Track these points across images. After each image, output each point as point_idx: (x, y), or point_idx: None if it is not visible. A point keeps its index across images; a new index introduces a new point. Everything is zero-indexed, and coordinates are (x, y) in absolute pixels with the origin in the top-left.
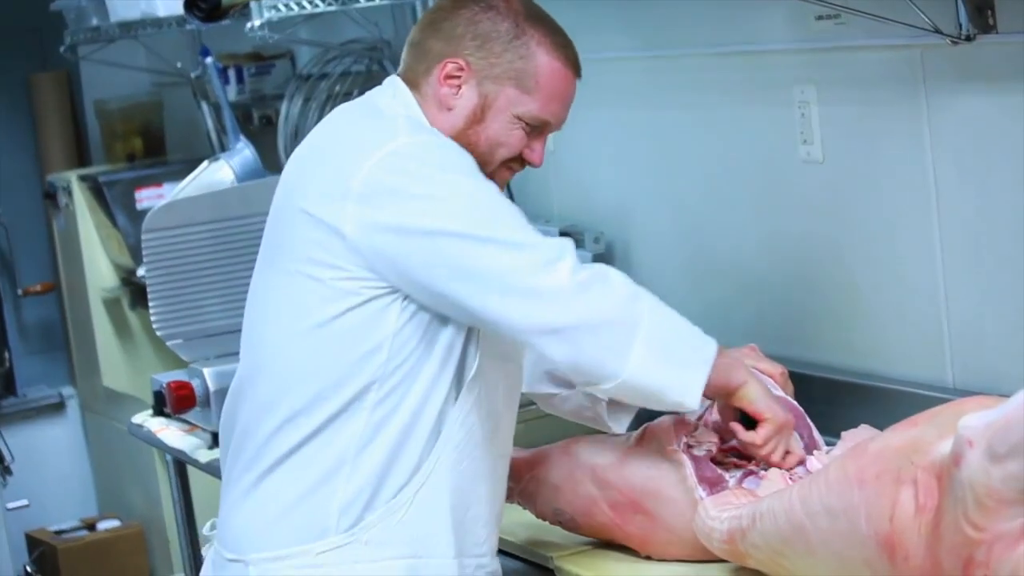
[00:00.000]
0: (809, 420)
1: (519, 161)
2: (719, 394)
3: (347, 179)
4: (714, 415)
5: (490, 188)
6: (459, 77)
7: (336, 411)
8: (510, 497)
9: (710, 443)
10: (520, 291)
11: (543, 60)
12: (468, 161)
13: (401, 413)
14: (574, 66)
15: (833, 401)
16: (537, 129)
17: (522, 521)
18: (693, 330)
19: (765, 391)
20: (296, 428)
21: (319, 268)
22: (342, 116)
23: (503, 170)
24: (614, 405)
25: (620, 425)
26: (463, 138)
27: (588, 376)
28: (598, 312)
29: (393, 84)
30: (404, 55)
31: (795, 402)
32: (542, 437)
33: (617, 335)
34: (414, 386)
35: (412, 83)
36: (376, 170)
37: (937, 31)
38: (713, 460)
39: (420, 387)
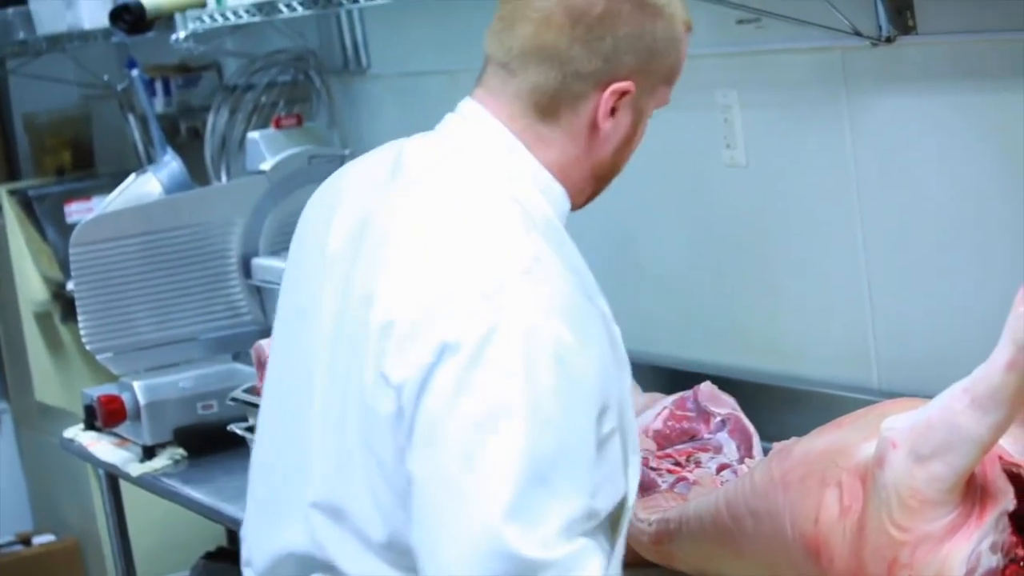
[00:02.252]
0: (749, 425)
1: None
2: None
3: (443, 310)
4: (656, 423)
5: (580, 439)
6: (622, 100)
7: None
8: None
9: (647, 450)
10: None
11: (684, 44)
12: (587, 386)
13: None
14: (687, 24)
15: (759, 405)
16: None
17: None
18: None
19: None
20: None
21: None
22: (434, 185)
23: None
24: None
25: None
26: (610, 164)
27: None
28: None
29: (494, 128)
30: (530, 70)
31: (734, 403)
32: None
33: None
34: None
35: (540, 111)
36: (481, 323)
37: (857, 33)
38: (648, 466)
39: None
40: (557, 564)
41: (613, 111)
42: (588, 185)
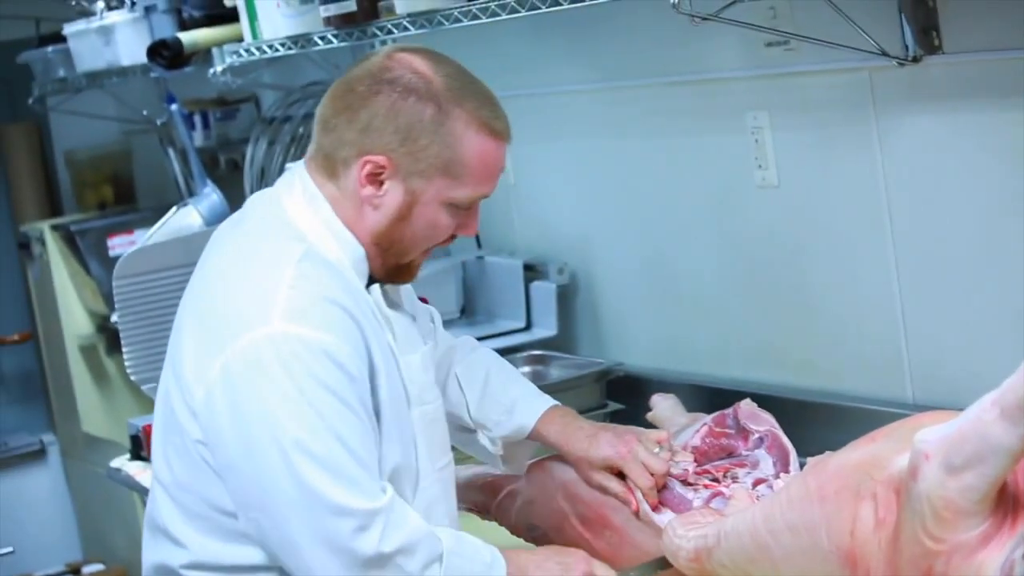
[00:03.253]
0: (787, 442)
1: (448, 240)
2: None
3: (212, 354)
4: (695, 440)
5: (337, 425)
6: (381, 175)
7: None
8: (486, 513)
9: (686, 464)
10: (318, 546)
11: (472, 143)
12: (328, 380)
13: None
14: (504, 135)
15: (795, 421)
16: (468, 209)
17: (496, 539)
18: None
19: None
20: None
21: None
22: (249, 233)
23: (423, 254)
24: (509, 449)
25: (518, 467)
26: (386, 236)
27: None
28: None
29: (303, 181)
30: (316, 133)
31: (773, 421)
32: None
33: None
34: None
35: (329, 172)
36: (234, 362)
37: (884, 54)
38: (686, 482)
39: None
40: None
41: (375, 182)
42: (373, 250)
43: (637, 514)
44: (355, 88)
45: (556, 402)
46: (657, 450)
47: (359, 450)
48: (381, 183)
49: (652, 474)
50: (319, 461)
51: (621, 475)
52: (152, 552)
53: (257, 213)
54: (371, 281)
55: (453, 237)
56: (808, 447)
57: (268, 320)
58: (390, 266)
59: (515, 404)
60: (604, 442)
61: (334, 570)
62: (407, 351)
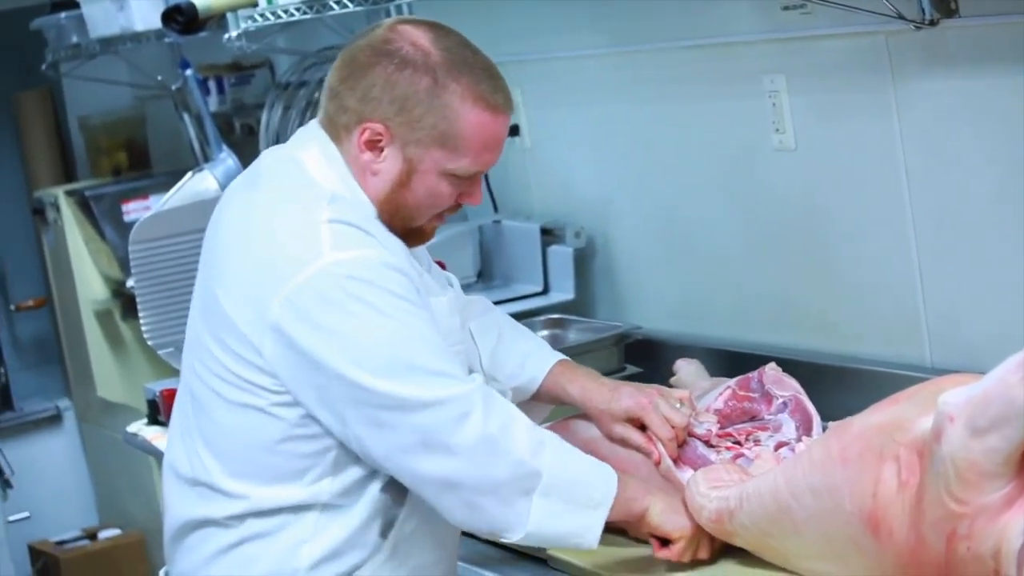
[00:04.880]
0: (811, 407)
1: (454, 207)
2: (626, 525)
3: (267, 298)
4: (718, 403)
5: (412, 325)
6: (379, 142)
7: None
8: None
9: (709, 424)
10: (424, 447)
11: (468, 116)
12: (395, 288)
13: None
14: (504, 108)
15: (813, 384)
16: (469, 179)
17: None
18: (593, 471)
19: (667, 507)
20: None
21: (249, 394)
22: (268, 190)
23: (434, 219)
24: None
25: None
26: (390, 201)
27: (490, 532)
28: (500, 471)
29: (320, 139)
30: (324, 100)
31: (797, 386)
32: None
33: (516, 493)
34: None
35: (335, 136)
36: (296, 296)
37: (900, 17)
38: (708, 443)
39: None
40: None
41: (375, 149)
42: (381, 214)
43: (658, 465)
44: (357, 58)
45: (566, 357)
46: (679, 406)
47: (437, 344)
48: (380, 150)
49: (672, 427)
50: (404, 366)
51: (643, 430)
52: (189, 507)
53: (275, 169)
54: None
55: (459, 205)
56: (824, 409)
57: (320, 254)
58: (399, 229)
59: (527, 357)
60: (625, 394)
61: (447, 466)
62: (434, 294)
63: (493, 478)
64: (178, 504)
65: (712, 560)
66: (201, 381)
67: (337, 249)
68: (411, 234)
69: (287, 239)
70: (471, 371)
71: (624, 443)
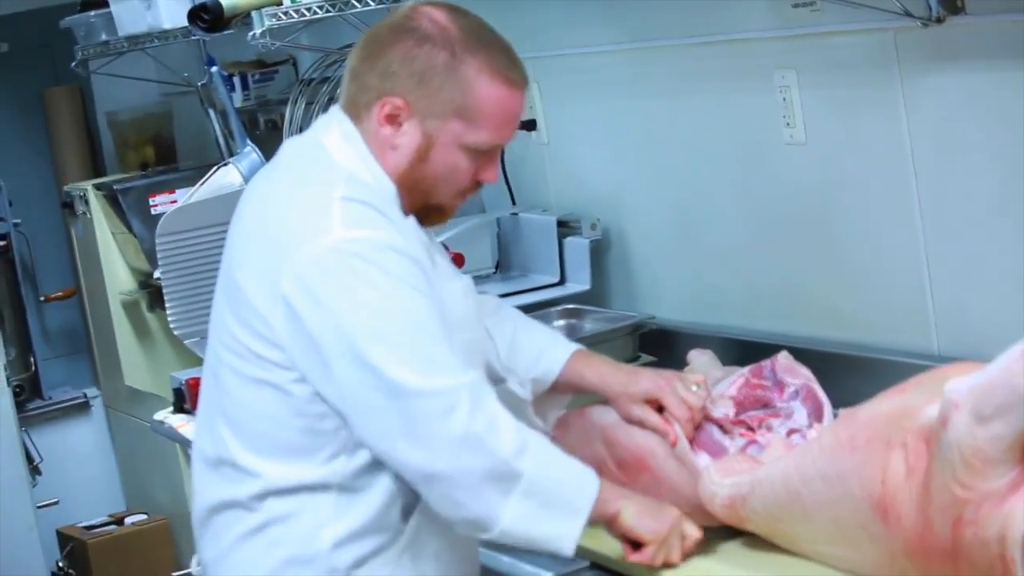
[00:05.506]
0: (822, 394)
1: (472, 186)
2: (602, 525)
3: (277, 272)
4: (731, 391)
5: (412, 311)
6: (399, 116)
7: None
8: None
9: (725, 408)
10: (407, 436)
11: (485, 89)
12: (400, 271)
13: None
14: (519, 83)
15: (824, 372)
16: (489, 152)
17: None
18: (575, 478)
19: (640, 510)
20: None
21: (262, 370)
22: (288, 170)
23: (455, 197)
24: (539, 404)
25: (546, 422)
26: (409, 176)
27: (465, 526)
28: (480, 466)
29: (340, 121)
30: (345, 83)
31: (809, 374)
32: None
33: (494, 491)
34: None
35: (355, 116)
36: (304, 270)
37: (908, 14)
38: (723, 429)
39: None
40: None
41: (394, 123)
42: (400, 190)
43: (675, 445)
44: (378, 37)
45: (582, 347)
46: (695, 388)
47: (436, 332)
48: (400, 124)
49: (689, 408)
50: (398, 349)
51: (660, 412)
52: (214, 490)
53: (295, 154)
54: None
55: (479, 185)
56: (835, 398)
57: (329, 229)
58: (419, 206)
59: (543, 349)
60: (644, 376)
61: (428, 457)
62: (447, 278)
63: (473, 474)
64: (204, 488)
65: (685, 563)
66: (221, 361)
67: (347, 226)
68: (429, 212)
69: (300, 214)
70: (488, 367)
71: (641, 424)
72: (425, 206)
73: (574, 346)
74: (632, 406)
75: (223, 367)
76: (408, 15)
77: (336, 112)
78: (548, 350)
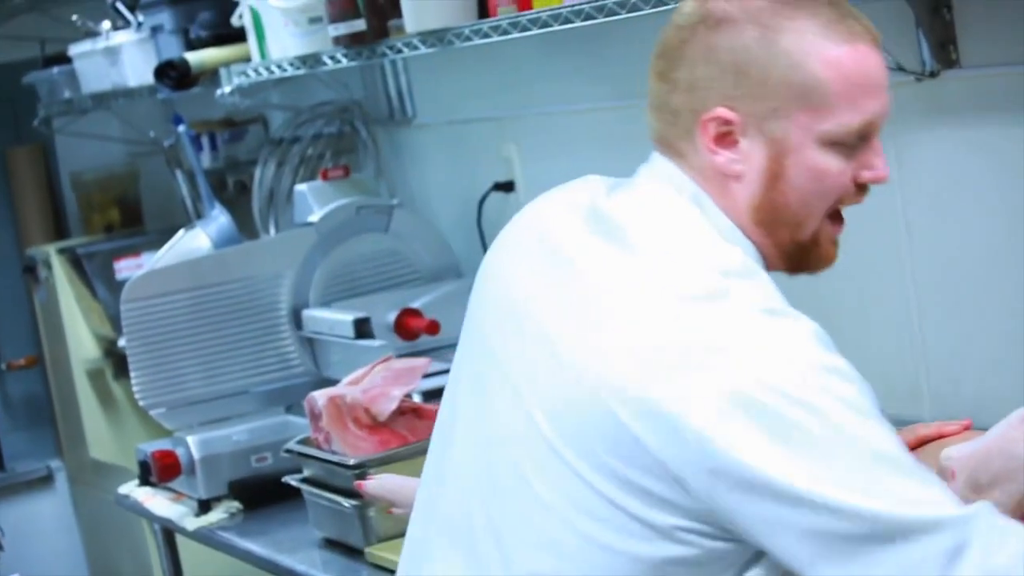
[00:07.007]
0: None
1: (855, 193)
2: None
3: (680, 405)
4: None
5: (873, 429)
6: (732, 132)
7: None
8: None
9: None
10: None
11: (820, 57)
12: (861, 400)
13: None
14: (863, 35)
15: None
16: (862, 139)
17: None
18: None
19: None
20: None
21: (638, 504)
22: (644, 255)
23: (832, 223)
24: None
25: None
26: (765, 208)
27: None
28: None
29: (670, 176)
30: (650, 119)
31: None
32: None
33: None
34: None
35: (674, 151)
36: (727, 406)
37: (900, 69)
38: None
39: None
40: None
41: (728, 143)
42: (758, 236)
43: None
44: (667, 43)
45: None
46: None
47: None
48: (735, 143)
49: None
50: (877, 479)
51: None
52: None
53: (640, 225)
54: None
55: (863, 190)
56: None
57: (735, 332)
58: (787, 248)
59: None
60: None
61: None
62: None
63: None
64: None
65: None
66: (543, 506)
67: (755, 327)
68: (804, 255)
69: (683, 302)
70: None
71: None
72: (795, 246)
73: None
74: None
75: (548, 517)
76: (691, 6)
77: (664, 167)
78: None
